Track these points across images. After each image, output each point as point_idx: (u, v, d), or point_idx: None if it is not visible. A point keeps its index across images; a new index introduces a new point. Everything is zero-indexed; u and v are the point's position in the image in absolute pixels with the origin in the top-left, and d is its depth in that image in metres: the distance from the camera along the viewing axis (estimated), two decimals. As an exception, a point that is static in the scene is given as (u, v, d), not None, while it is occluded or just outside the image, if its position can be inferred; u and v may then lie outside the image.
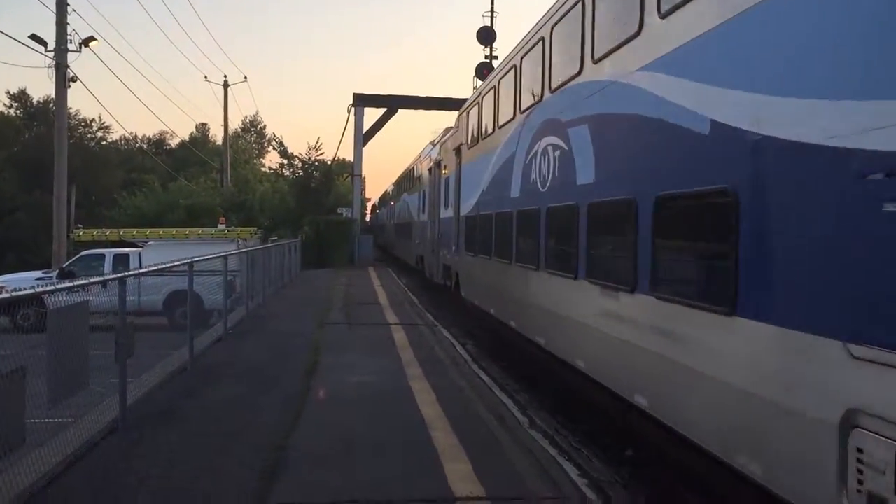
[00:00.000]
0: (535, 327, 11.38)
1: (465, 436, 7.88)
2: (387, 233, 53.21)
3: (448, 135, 22.25)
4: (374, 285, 27.79)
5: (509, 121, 13.72)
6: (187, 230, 24.05)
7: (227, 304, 14.65)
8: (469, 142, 17.95)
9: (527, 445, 7.70)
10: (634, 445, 8.59)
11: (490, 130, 15.40)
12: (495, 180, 14.55)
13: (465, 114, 19.07)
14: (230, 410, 8.89)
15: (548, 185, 10.96)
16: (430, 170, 25.59)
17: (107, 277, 7.69)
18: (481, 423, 8.52)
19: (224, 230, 24.05)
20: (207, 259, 13.13)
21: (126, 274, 8.18)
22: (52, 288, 6.08)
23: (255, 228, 26.87)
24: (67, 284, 6.44)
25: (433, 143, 27.22)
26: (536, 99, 11.85)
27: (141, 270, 9.18)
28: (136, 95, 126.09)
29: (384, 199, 61.71)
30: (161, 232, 23.30)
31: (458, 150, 19.27)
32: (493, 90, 15.33)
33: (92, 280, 7.13)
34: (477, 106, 17.12)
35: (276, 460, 7.03)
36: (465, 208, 17.82)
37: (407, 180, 36.58)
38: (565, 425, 9.19)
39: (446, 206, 21.22)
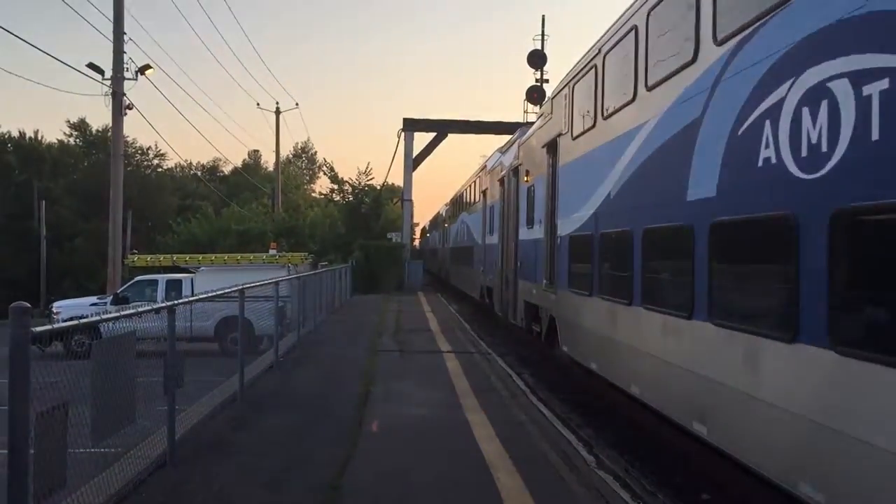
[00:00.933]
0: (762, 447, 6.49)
1: (530, 477, 7.37)
2: (439, 258, 50.29)
3: (530, 131, 17.89)
4: (424, 311, 27.39)
5: (682, 68, 8.21)
6: (239, 256, 23.99)
7: (278, 331, 14.36)
8: (573, 129, 12.86)
9: (597, 488, 7.16)
10: (710, 487, 7.98)
11: (627, 99, 9.99)
12: (641, 176, 9.46)
13: (564, 93, 13.67)
14: (282, 444, 8.52)
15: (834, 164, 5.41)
16: (501, 180, 21.05)
17: (156, 306, 7.40)
18: (546, 462, 7.99)
19: (275, 256, 23.94)
20: (258, 285, 12.83)
21: (176, 302, 7.90)
22: (94, 318, 5.78)
23: (306, 254, 26.75)
24: (113, 315, 6.14)
25: (501, 151, 23.38)
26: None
27: (191, 298, 8.89)
28: (191, 123, 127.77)
29: (435, 221, 58.56)
30: (213, 258, 23.28)
31: (550, 147, 14.62)
32: (631, 34, 9.87)
33: (140, 310, 6.84)
34: (593, 71, 11.75)
35: (330, 502, 6.61)
36: (567, 225, 12.93)
37: (466, 197, 33.07)
38: (634, 464, 8.60)
39: (530, 223, 16.70)
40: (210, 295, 9.90)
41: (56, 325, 5.11)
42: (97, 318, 5.80)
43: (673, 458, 8.89)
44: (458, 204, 36.66)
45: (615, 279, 10.45)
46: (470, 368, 14.25)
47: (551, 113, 14.97)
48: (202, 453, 8.07)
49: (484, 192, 25.54)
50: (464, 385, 12.47)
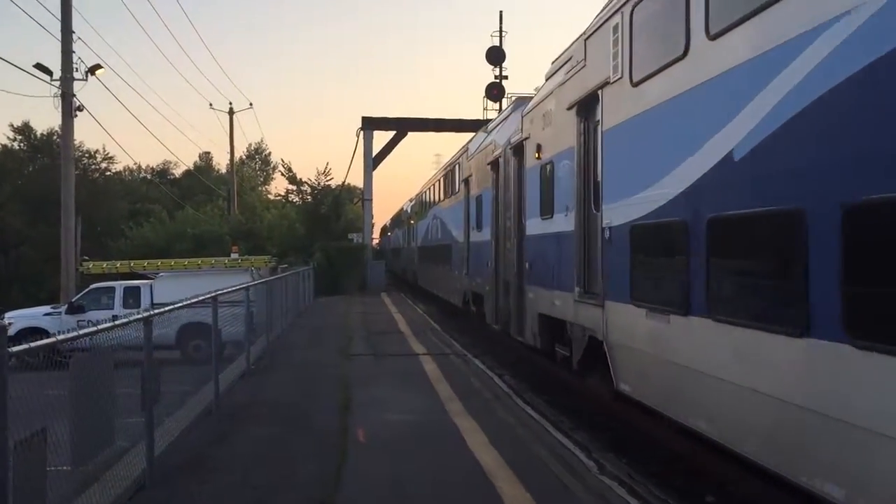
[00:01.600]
0: None
1: (533, 485, 7.05)
2: (404, 258, 46.47)
3: (539, 96, 13.68)
4: (391, 312, 26.96)
5: None
6: (199, 260, 23.25)
7: (249, 338, 13.83)
8: (636, 71, 8.89)
9: (603, 495, 6.87)
10: (713, 488, 7.76)
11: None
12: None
13: (614, 23, 9.50)
14: (265, 459, 8.06)
15: None
16: (493, 164, 17.27)
17: (134, 317, 6.89)
18: (546, 469, 7.67)
19: (237, 259, 23.29)
20: (231, 291, 12.30)
21: (152, 313, 7.40)
22: (73, 335, 5.29)
23: (269, 257, 26.13)
24: (90, 330, 5.65)
25: (486, 131, 20.27)
26: None
27: (168, 307, 8.37)
28: (143, 124, 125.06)
29: (398, 218, 53.76)
30: (173, 263, 22.57)
31: (585, 105, 10.74)
32: None
33: (116, 323, 6.34)
34: None
35: (327, 522, 6.21)
36: (626, 211, 9.12)
37: (438, 189, 29.06)
38: (634, 467, 8.33)
39: (546, 213, 12.67)
40: (187, 303, 9.37)
41: (35, 344, 4.62)
42: (76, 332, 5.31)
43: (671, 459, 8.66)
44: (427, 197, 33.21)
45: (756, 291, 6.55)
46: (448, 371, 13.90)
47: (584, 60, 10.63)
48: (183, 472, 7.58)
49: (466, 181, 21.67)
50: (445, 389, 12.12)
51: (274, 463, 7.91)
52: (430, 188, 32.24)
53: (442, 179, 27.87)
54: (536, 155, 13.19)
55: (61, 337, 5.05)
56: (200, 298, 10.00)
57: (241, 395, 11.58)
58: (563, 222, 11.67)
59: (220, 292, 11.15)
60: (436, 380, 13.00)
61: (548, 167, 12.63)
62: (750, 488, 7.27)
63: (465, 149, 22.56)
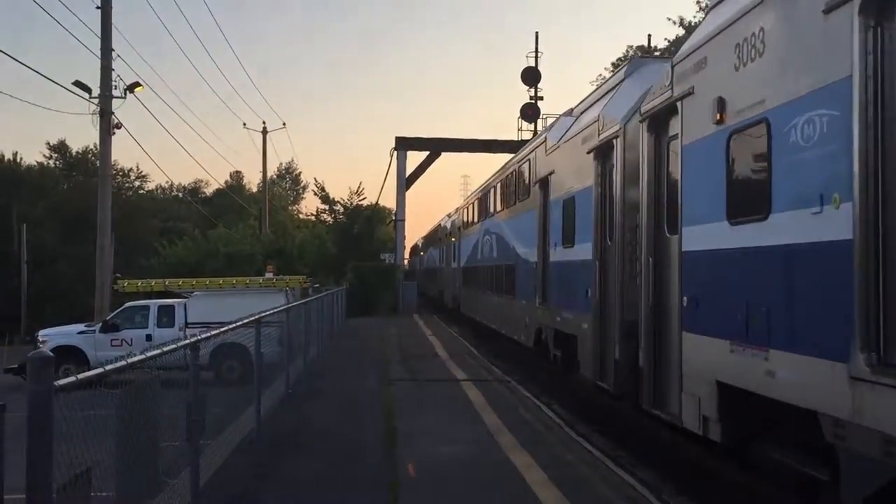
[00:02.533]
0: None
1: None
2: (440, 280, 41.67)
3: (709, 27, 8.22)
4: (426, 335, 26.48)
5: None
6: (234, 280, 22.98)
7: (288, 362, 13.39)
8: None
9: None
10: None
11: None
12: None
13: None
14: (315, 497, 7.58)
15: None
16: (599, 149, 11.96)
17: (181, 343, 6.47)
18: (617, 511, 7.11)
19: (272, 279, 22.97)
20: (271, 313, 11.88)
21: (199, 338, 6.98)
22: (121, 363, 4.86)
23: (305, 276, 25.80)
24: (138, 358, 5.22)
25: (571, 114, 15.37)
26: None
27: (213, 332, 7.93)
28: (178, 142, 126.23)
29: (433, 237, 47.99)
30: (207, 282, 22.28)
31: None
32: None
33: (165, 349, 5.91)
34: None
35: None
36: None
37: (494, 198, 23.48)
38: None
39: (745, 211, 7.09)
40: (232, 326, 8.95)
41: (82, 375, 4.19)
42: (123, 362, 4.88)
43: (745, 496, 8.03)
44: (474, 210, 28.27)
45: None
46: (493, 398, 13.37)
47: None
48: (227, 508, 7.13)
49: (543, 182, 16.02)
50: (493, 419, 11.58)
51: (323, 500, 7.42)
52: (479, 199, 27.17)
53: (500, 185, 22.49)
54: (718, 117, 7.52)
55: (110, 367, 4.62)
56: (244, 321, 9.53)
57: (283, 422, 11.13)
58: (798, 229, 6.15)
59: (263, 314, 10.72)
60: (482, 408, 12.47)
61: (742, 137, 7.17)
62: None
63: (542, 140, 16.68)
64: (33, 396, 3.68)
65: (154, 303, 21.30)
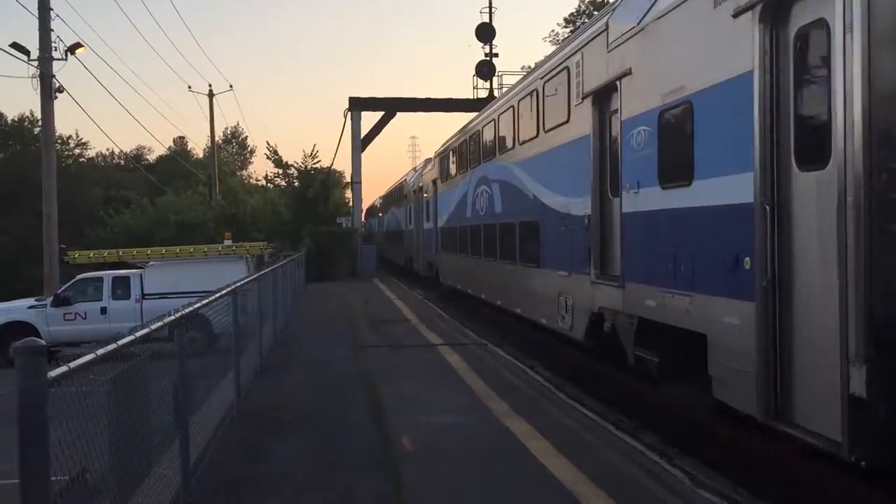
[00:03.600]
0: None
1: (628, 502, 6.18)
2: (407, 243, 37.01)
3: None
4: (391, 299, 25.98)
5: None
6: (192, 248, 22.07)
7: (260, 333, 12.78)
8: None
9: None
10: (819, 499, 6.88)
11: None
12: None
13: None
14: (311, 478, 7.10)
15: None
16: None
17: (167, 320, 5.86)
18: (635, 482, 6.79)
19: (232, 246, 22.15)
20: (246, 282, 11.24)
21: (181, 312, 6.37)
22: (112, 346, 4.28)
23: (265, 243, 25.00)
24: (128, 339, 4.63)
25: None
26: None
27: (195, 304, 7.31)
28: (124, 106, 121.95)
29: (396, 195, 43.38)
30: (164, 251, 21.35)
31: None
32: None
33: (153, 327, 5.32)
34: None
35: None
36: None
37: (504, 131, 17.00)
38: (716, 470, 7.46)
39: None
40: (213, 297, 8.32)
41: (75, 363, 3.61)
42: (113, 344, 4.30)
43: (751, 460, 7.80)
44: (459, 155, 22.91)
45: None
46: (474, 363, 12.99)
47: None
48: (220, 496, 6.61)
49: (603, 93, 10.81)
50: (480, 385, 11.20)
51: (323, 482, 6.96)
52: (466, 141, 21.47)
53: (504, 118, 16.79)
54: None
55: (101, 351, 4.04)
56: (223, 292, 8.90)
57: (261, 398, 10.57)
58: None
59: (239, 284, 10.08)
60: (465, 373, 12.09)
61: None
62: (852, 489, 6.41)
63: (599, 30, 10.97)
64: (24, 393, 3.11)
65: (108, 274, 20.37)
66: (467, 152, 21.31)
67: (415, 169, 35.32)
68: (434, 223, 27.44)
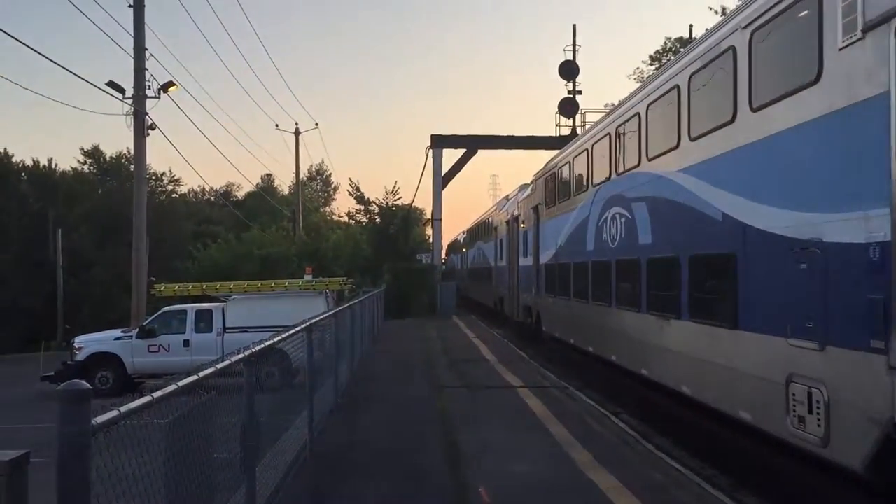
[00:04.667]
0: None
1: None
2: (496, 282, 32.53)
3: None
4: (469, 337, 25.55)
5: None
6: (273, 282, 22.24)
7: (337, 369, 12.55)
8: None
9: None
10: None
11: None
12: None
13: None
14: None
15: None
16: None
17: (234, 359, 5.61)
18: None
19: (312, 282, 22.21)
20: (322, 318, 11.03)
21: (252, 350, 6.13)
22: (170, 388, 4.01)
23: (345, 278, 25.04)
24: (188, 380, 4.37)
25: None
26: None
27: (267, 342, 7.08)
28: (214, 144, 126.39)
29: (481, 229, 39.25)
30: (246, 285, 21.56)
31: None
32: None
33: (219, 367, 5.06)
34: None
35: None
36: None
37: (668, 122, 11.40)
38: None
39: None
40: (287, 335, 8.10)
41: (126, 407, 3.34)
42: (173, 386, 4.03)
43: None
44: (574, 170, 17.84)
45: None
46: (555, 407, 12.42)
47: None
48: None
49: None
50: (561, 431, 10.63)
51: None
52: (606, 134, 14.99)
53: (687, 82, 10.72)
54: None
55: (158, 394, 3.77)
56: (297, 328, 8.67)
57: (335, 437, 10.27)
58: None
59: (315, 320, 9.86)
60: (545, 418, 11.54)
61: None
62: None
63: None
64: (64, 441, 2.83)
65: (191, 307, 20.70)
66: (588, 166, 16.24)
67: (507, 197, 30.97)
68: (534, 259, 22.30)
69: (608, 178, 14.65)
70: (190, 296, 21.95)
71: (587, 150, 16.44)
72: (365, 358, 18.80)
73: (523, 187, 26.48)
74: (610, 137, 14.66)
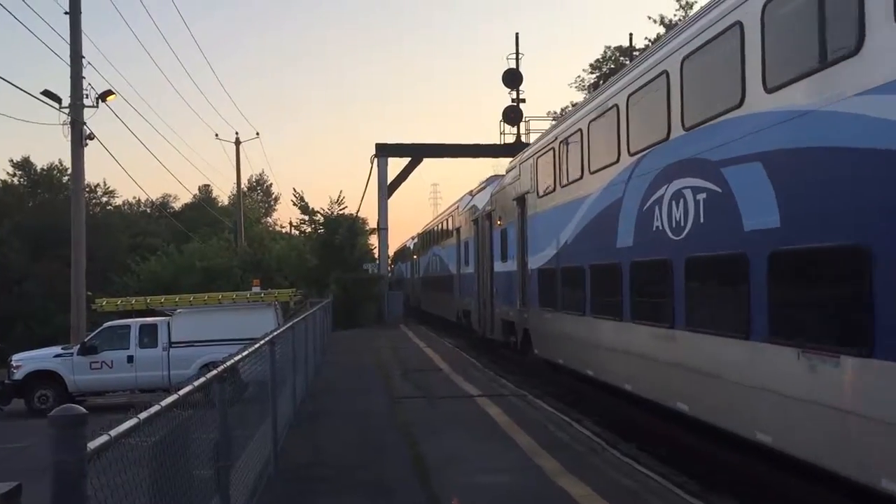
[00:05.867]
0: None
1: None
2: (460, 292, 28.38)
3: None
4: (420, 347, 25.40)
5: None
6: (220, 295, 21.75)
7: (295, 384, 12.29)
8: None
9: None
10: None
11: None
12: None
13: None
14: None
15: None
16: None
17: (209, 375, 5.39)
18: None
19: (260, 294, 21.78)
20: (281, 332, 10.78)
21: (223, 366, 5.90)
22: (154, 409, 3.80)
23: (294, 290, 24.64)
24: (170, 400, 4.16)
25: None
26: None
27: (234, 357, 6.83)
28: (154, 154, 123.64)
29: (435, 233, 36.97)
30: (192, 298, 21.01)
31: None
32: None
33: (194, 385, 4.85)
34: None
35: None
36: None
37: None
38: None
39: None
40: (253, 348, 7.84)
41: (117, 431, 3.14)
42: (156, 406, 3.82)
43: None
44: (588, 141, 13.49)
45: None
46: (516, 416, 12.37)
47: None
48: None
49: None
50: (526, 440, 10.58)
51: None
52: (634, 90, 11.38)
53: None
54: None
55: (144, 414, 3.57)
56: (259, 343, 8.42)
57: (298, 453, 10.02)
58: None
59: (275, 334, 9.61)
60: (509, 427, 11.47)
61: None
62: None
63: None
64: (60, 470, 2.63)
65: (135, 322, 20.08)
66: (619, 127, 11.79)
67: (471, 193, 27.41)
68: (519, 263, 18.20)
69: (665, 139, 10.08)
70: (133, 310, 21.29)
71: (616, 105, 11.95)
72: (318, 370, 18.50)
73: (494, 178, 23.85)
74: (668, 76, 9.99)
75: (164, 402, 3.99)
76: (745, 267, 7.90)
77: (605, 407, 13.44)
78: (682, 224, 9.53)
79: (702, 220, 9.05)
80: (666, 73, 10.06)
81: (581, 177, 13.67)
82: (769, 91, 7.60)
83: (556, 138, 15.45)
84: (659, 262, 10.18)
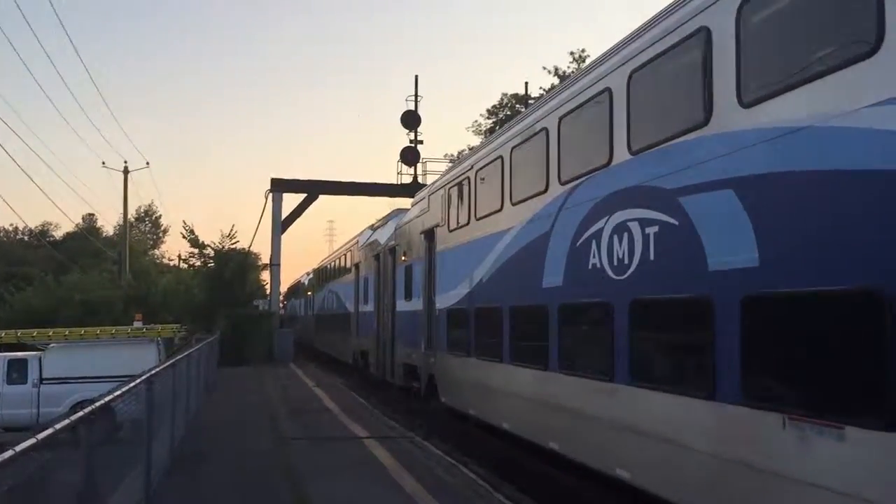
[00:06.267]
0: None
1: None
2: (361, 333, 25.92)
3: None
4: (309, 386, 24.89)
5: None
6: (98, 329, 20.77)
7: (175, 424, 11.77)
8: None
9: None
10: None
11: None
12: None
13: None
14: None
15: None
16: None
17: (71, 419, 5.07)
18: None
19: (142, 329, 20.91)
20: (161, 368, 10.32)
21: (95, 405, 5.57)
22: (8, 455, 3.54)
23: (178, 325, 23.77)
24: (28, 443, 3.88)
25: None
26: None
27: (105, 398, 6.47)
28: (33, 180, 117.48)
29: (332, 268, 35.77)
30: (67, 332, 19.98)
31: None
32: None
33: (56, 426, 4.54)
34: None
35: None
36: None
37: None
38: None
39: None
40: (128, 387, 7.45)
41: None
42: (10, 451, 3.55)
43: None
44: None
45: None
46: (403, 459, 12.25)
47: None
48: None
49: None
50: (412, 483, 10.49)
51: None
52: (576, 105, 9.88)
53: None
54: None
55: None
56: (136, 381, 8.03)
57: (177, 499, 9.56)
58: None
59: (152, 372, 9.19)
60: (394, 471, 11.35)
61: None
62: None
63: None
64: None
65: (2, 356, 18.86)
66: (548, 154, 10.46)
67: (372, 227, 25.95)
68: (426, 302, 16.52)
69: (605, 164, 8.80)
70: (2, 344, 20.05)
71: (546, 129, 10.60)
72: (201, 409, 17.82)
73: (399, 212, 22.39)
74: (610, 93, 8.73)
75: (20, 447, 3.71)
76: (708, 312, 6.63)
77: (489, 448, 13.46)
78: (627, 262, 8.13)
79: (651, 257, 7.72)
80: (609, 90, 8.70)
81: (500, 208, 12.20)
82: (746, 106, 6.46)
83: (471, 167, 13.98)
84: (595, 305, 8.88)
